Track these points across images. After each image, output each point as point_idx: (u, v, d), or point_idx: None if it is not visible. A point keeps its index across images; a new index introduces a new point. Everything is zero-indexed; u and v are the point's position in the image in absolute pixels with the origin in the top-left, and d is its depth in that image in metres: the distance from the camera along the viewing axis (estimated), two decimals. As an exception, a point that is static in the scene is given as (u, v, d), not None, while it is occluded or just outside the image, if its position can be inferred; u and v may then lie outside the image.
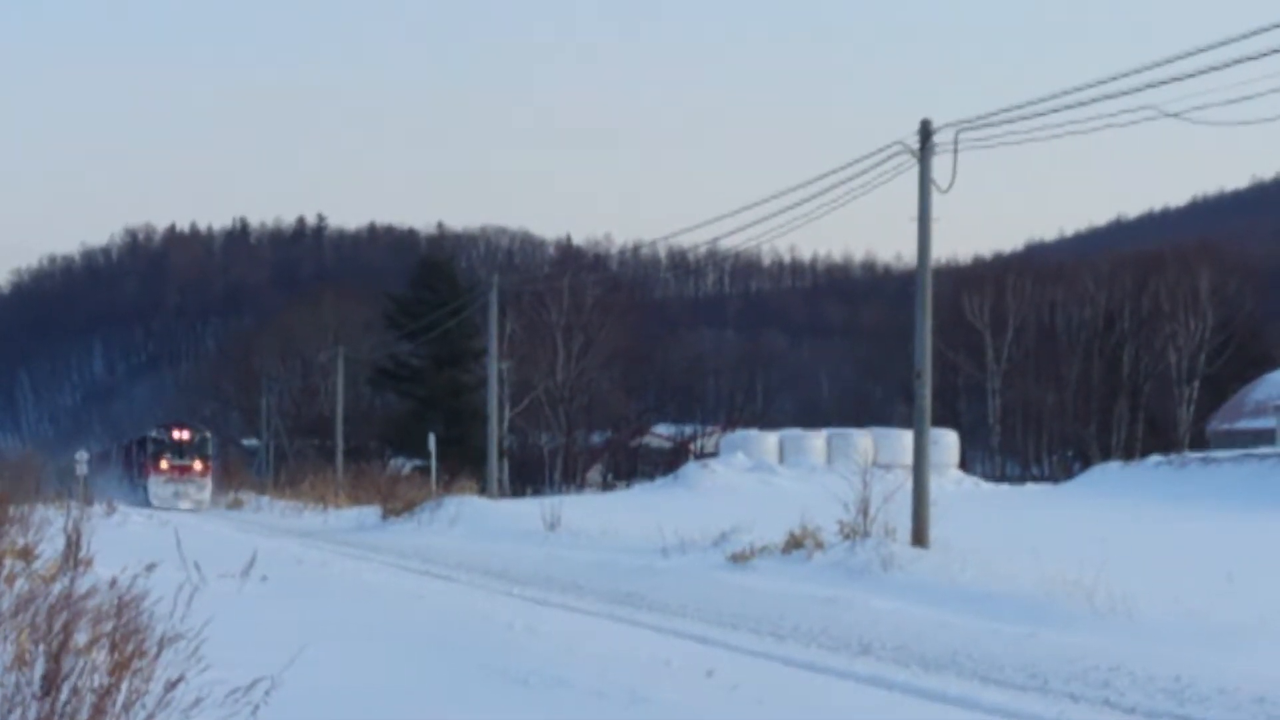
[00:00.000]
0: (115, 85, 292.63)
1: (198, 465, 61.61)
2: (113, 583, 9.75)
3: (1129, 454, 68.34)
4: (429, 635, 13.57)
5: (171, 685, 7.13)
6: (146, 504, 57.21)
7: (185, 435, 62.50)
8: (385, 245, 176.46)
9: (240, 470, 72.21)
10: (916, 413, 23.95)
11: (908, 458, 28.61)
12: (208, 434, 64.93)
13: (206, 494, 61.11)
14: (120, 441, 79.91)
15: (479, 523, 35.62)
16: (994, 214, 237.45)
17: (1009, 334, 79.83)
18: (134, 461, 66.58)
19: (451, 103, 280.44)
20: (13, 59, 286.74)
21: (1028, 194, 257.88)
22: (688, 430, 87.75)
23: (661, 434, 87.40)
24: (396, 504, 41.10)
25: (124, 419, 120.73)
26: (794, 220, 26.08)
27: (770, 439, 58.88)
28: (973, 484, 54.31)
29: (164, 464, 60.78)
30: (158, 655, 7.67)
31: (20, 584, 11.87)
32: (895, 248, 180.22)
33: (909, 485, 22.58)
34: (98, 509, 37.13)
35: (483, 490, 44.67)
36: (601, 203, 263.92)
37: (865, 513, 21.34)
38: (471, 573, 23.41)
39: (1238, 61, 17.97)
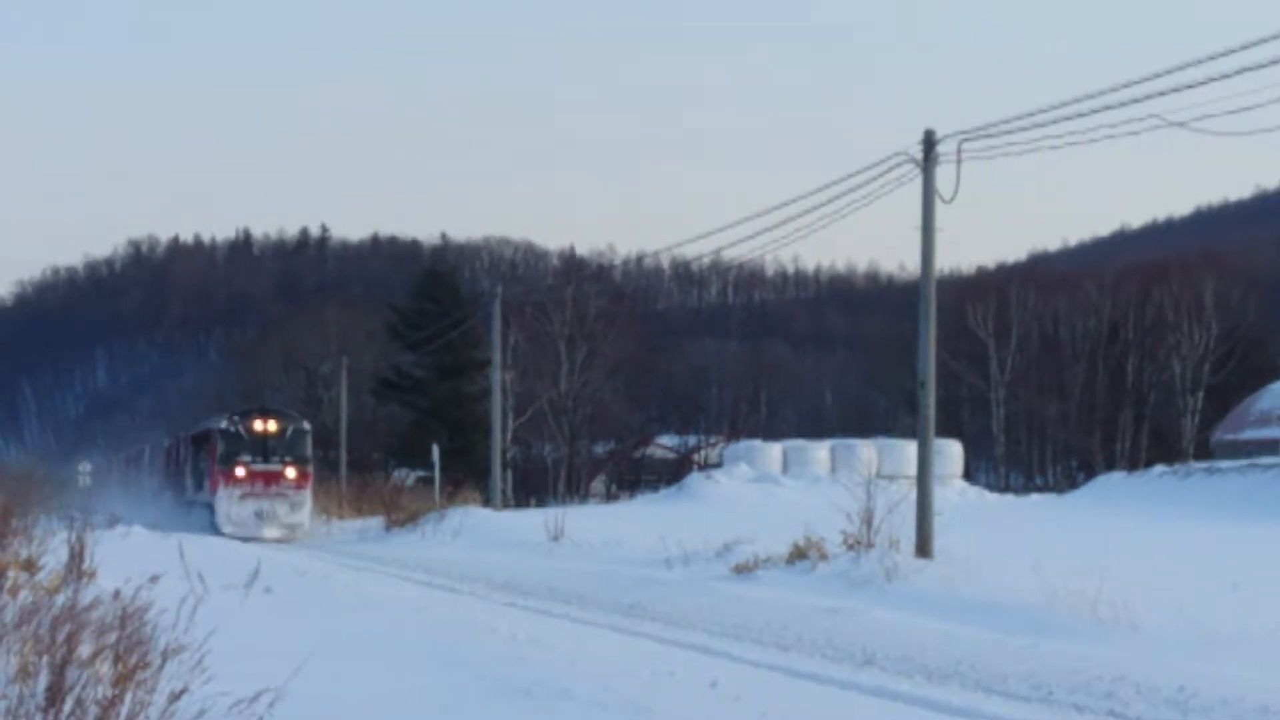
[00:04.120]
0: (118, 97, 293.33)
1: (291, 472, 43.06)
2: (116, 594, 9.77)
3: (1133, 464, 68.29)
4: (432, 647, 13.57)
5: (175, 697, 7.14)
6: (211, 529, 41.72)
7: (272, 426, 43.75)
8: (388, 256, 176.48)
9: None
10: (920, 423, 23.95)
11: (911, 468, 28.59)
12: (305, 424, 45.44)
13: (305, 515, 43.26)
14: (164, 441, 59.99)
15: (482, 534, 35.67)
16: (997, 224, 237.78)
17: (1013, 344, 79.78)
18: (187, 468, 48.96)
19: (454, 114, 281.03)
20: (15, 70, 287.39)
21: (1031, 204, 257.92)
22: (691, 441, 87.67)
23: (665, 445, 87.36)
24: (400, 515, 41.19)
25: (127, 430, 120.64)
26: (797, 231, 26.13)
27: (774, 450, 58.86)
28: (977, 494, 54.22)
29: (240, 471, 42.59)
30: (161, 667, 7.69)
31: (24, 596, 11.88)
32: (899, 258, 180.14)
33: (913, 496, 22.57)
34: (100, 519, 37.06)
35: (486, 501, 44.71)
36: (605, 213, 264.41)
37: (869, 523, 21.35)
38: (475, 584, 23.44)
39: (1241, 71, 17.99)
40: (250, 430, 43.24)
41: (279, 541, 40.08)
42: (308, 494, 43.49)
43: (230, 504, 42.21)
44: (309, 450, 44.73)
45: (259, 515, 42.17)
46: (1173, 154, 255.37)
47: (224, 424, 43.74)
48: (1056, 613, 15.91)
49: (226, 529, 41.30)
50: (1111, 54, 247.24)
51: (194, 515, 45.14)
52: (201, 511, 44.52)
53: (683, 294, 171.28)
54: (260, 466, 42.71)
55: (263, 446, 43.03)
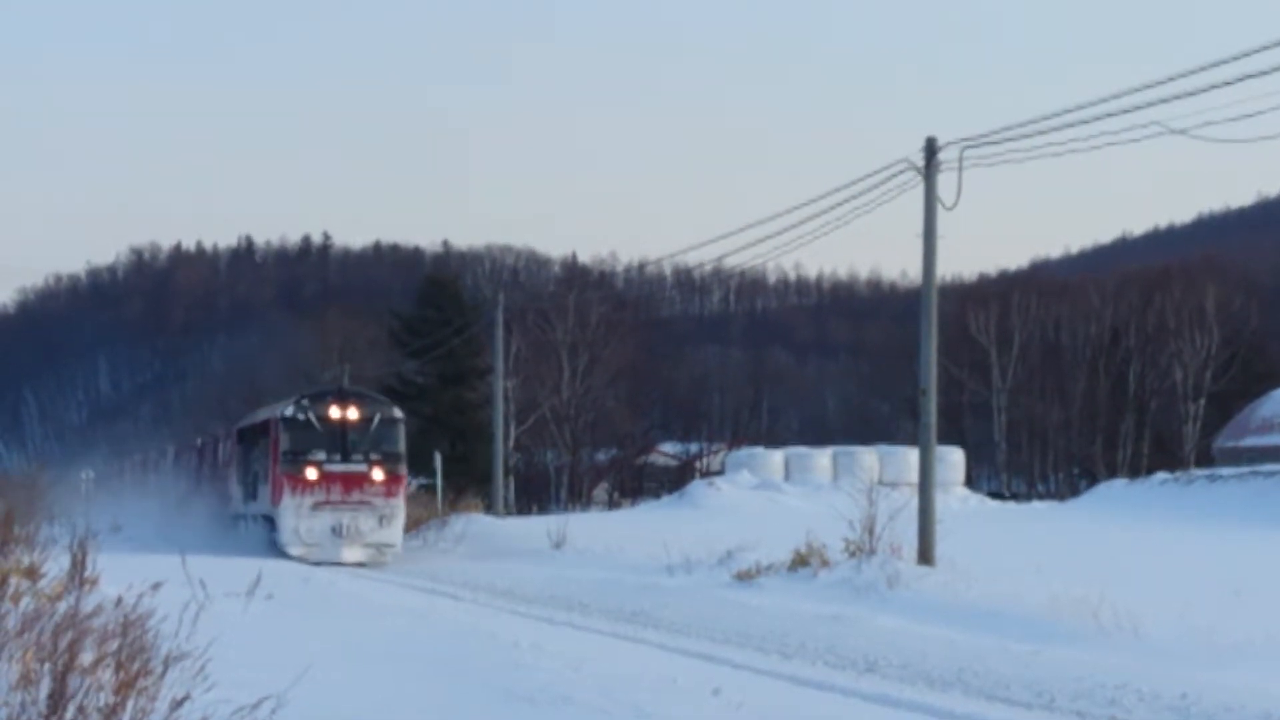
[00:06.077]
0: (120, 104, 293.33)
1: (378, 474, 33.20)
2: (118, 601, 9.76)
3: (1135, 471, 68.26)
4: (435, 654, 13.57)
5: (177, 704, 7.14)
6: (271, 549, 32.70)
7: (353, 413, 33.60)
8: (390, 264, 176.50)
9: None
10: (922, 430, 23.95)
11: (913, 475, 28.61)
12: (396, 411, 35.11)
13: (396, 531, 33.37)
14: (201, 438, 49.21)
15: (485, 541, 35.65)
16: (999, 231, 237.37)
17: (1014, 351, 79.73)
18: (232, 472, 38.85)
19: (456, 121, 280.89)
20: (17, 75, 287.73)
21: (1033, 211, 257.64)
22: (693, 448, 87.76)
23: (667, 452, 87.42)
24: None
25: (130, 437, 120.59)
26: (799, 238, 26.19)
27: (776, 457, 58.81)
28: (978, 501, 54.17)
29: (311, 473, 32.78)
30: (163, 674, 7.69)
31: (26, 603, 11.87)
32: (900, 265, 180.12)
33: (914, 503, 22.58)
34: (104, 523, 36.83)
35: (488, 508, 44.69)
36: (607, 221, 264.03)
37: (871, 530, 21.35)
38: (477, 591, 23.43)
39: (1243, 78, 18.00)
40: (325, 419, 33.39)
41: (361, 565, 31.50)
42: (400, 503, 33.80)
43: (299, 517, 32.50)
44: (402, 445, 34.71)
45: (336, 531, 32.57)
46: (1174, 161, 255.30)
47: (289, 410, 33.70)
48: (1059, 620, 15.91)
49: (294, 550, 32.09)
50: (1113, 61, 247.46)
51: (243, 532, 36.00)
52: (254, 527, 35.31)
53: (685, 301, 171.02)
54: (338, 467, 33.02)
55: (341, 440, 33.28)
